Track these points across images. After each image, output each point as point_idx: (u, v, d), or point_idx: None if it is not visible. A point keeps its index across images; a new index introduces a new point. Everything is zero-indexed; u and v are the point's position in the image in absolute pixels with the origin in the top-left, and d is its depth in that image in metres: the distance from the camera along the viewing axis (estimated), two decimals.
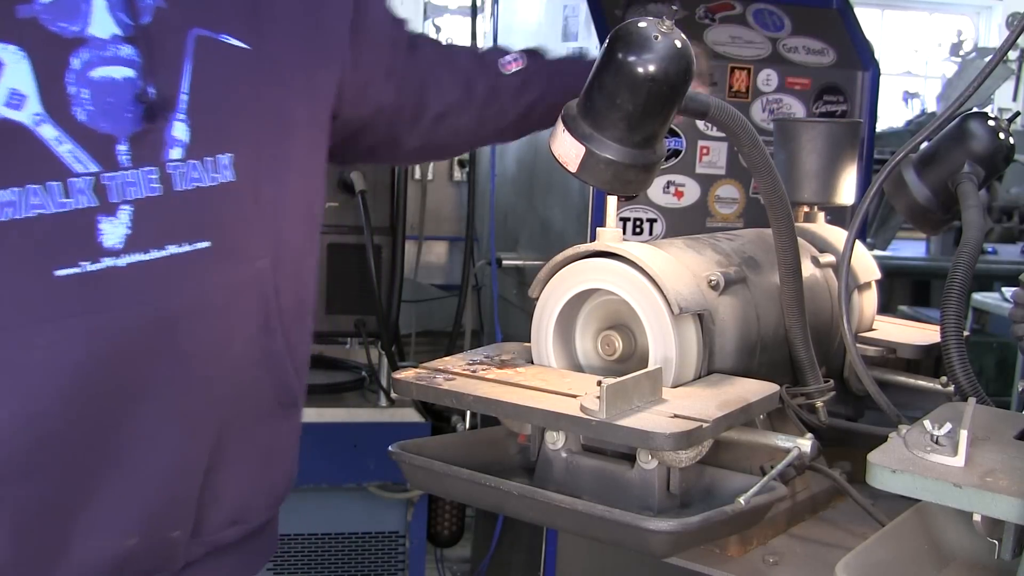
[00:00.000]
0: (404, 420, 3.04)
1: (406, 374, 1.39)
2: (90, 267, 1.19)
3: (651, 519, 1.19)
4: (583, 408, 1.23)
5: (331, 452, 2.94)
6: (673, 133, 2.58)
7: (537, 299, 1.45)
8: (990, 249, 5.08)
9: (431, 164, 3.94)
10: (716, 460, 1.33)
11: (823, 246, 1.71)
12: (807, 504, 1.50)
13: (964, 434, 1.08)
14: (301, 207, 1.39)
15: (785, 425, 1.46)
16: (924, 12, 10.62)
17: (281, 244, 1.34)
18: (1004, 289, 4.12)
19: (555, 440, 1.37)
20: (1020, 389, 2.84)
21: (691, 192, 2.65)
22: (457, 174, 4.05)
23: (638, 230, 2.62)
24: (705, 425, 1.20)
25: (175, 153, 1.24)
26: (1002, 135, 1.66)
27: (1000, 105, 6.80)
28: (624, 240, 1.39)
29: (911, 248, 5.28)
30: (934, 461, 1.08)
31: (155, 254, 1.22)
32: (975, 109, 2.00)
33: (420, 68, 1.55)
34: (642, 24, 1.27)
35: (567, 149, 1.33)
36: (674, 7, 2.39)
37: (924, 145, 1.67)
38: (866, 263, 1.77)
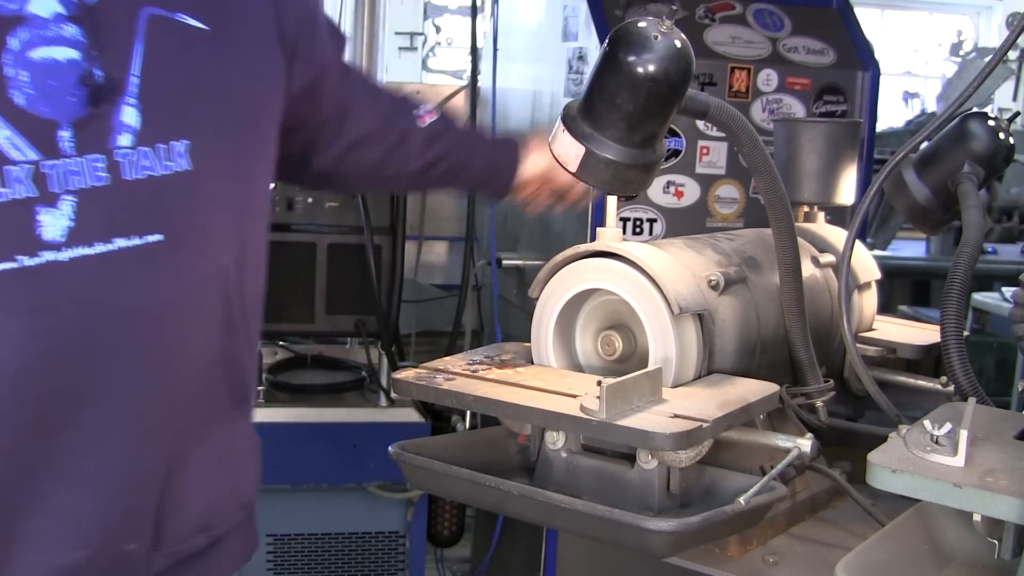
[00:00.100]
0: (404, 420, 3.03)
1: (406, 374, 1.39)
2: (27, 261, 1.12)
3: (651, 519, 1.19)
4: (583, 408, 1.23)
5: (331, 452, 2.93)
6: (673, 133, 2.58)
7: (537, 299, 1.45)
8: (990, 249, 5.07)
9: None
10: (716, 460, 1.33)
11: (823, 246, 1.71)
12: (807, 504, 1.50)
13: (964, 434, 1.09)
14: (263, 198, 1.33)
15: (785, 425, 1.46)
16: (924, 12, 10.64)
17: (245, 239, 1.27)
18: (1004, 289, 4.11)
19: (555, 440, 1.37)
20: (1020, 389, 2.84)
21: (691, 192, 2.65)
22: None
23: (638, 230, 2.62)
24: (705, 425, 1.20)
25: (124, 140, 1.16)
26: (1002, 135, 1.66)
27: (1000, 105, 6.82)
28: (624, 240, 1.40)
29: (911, 248, 5.27)
30: (934, 461, 1.08)
31: (101, 248, 1.14)
32: (975, 109, 2.00)
33: (349, 90, 1.52)
34: (642, 24, 1.27)
35: (567, 149, 1.33)
36: (674, 7, 2.39)
37: (924, 145, 1.67)
38: (866, 263, 1.77)
